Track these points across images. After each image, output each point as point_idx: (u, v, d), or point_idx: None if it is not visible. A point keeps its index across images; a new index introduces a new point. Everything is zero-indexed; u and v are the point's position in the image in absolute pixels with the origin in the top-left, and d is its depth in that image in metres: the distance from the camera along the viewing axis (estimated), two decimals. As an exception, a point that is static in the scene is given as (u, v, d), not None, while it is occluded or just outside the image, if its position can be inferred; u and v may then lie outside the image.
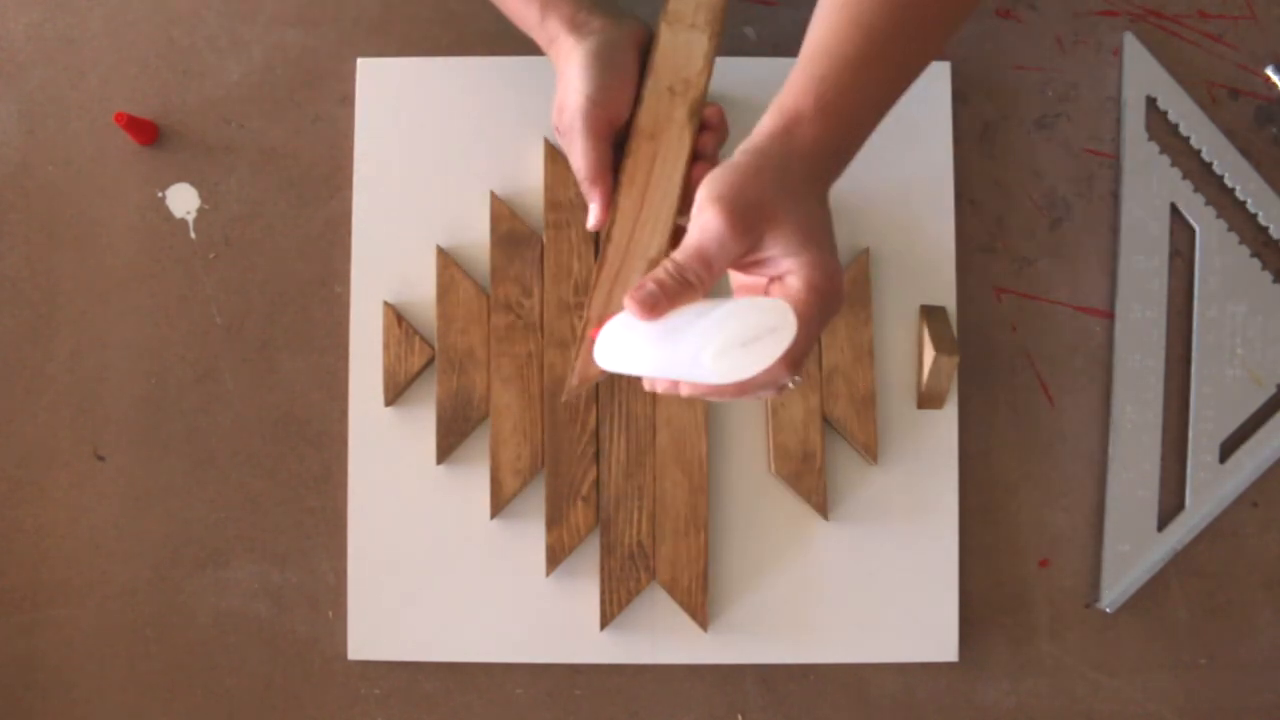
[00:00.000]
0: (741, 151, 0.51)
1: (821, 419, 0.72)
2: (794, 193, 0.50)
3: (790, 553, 0.72)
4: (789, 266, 0.49)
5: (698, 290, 0.49)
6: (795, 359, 0.48)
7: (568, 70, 0.61)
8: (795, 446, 0.72)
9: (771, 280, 0.51)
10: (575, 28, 0.61)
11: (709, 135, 0.63)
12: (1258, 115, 0.77)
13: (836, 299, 0.50)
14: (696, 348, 0.46)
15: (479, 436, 0.72)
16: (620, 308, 0.53)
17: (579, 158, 0.61)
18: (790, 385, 0.51)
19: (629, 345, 0.51)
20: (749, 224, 0.48)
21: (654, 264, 0.51)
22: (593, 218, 0.61)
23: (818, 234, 0.50)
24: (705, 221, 0.49)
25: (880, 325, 0.74)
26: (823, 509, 0.72)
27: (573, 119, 0.60)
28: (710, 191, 0.49)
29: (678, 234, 0.60)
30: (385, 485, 0.73)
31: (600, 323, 0.54)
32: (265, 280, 0.75)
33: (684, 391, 0.51)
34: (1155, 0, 0.77)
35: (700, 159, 0.61)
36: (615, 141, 0.62)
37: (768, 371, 0.47)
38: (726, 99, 0.74)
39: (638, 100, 0.61)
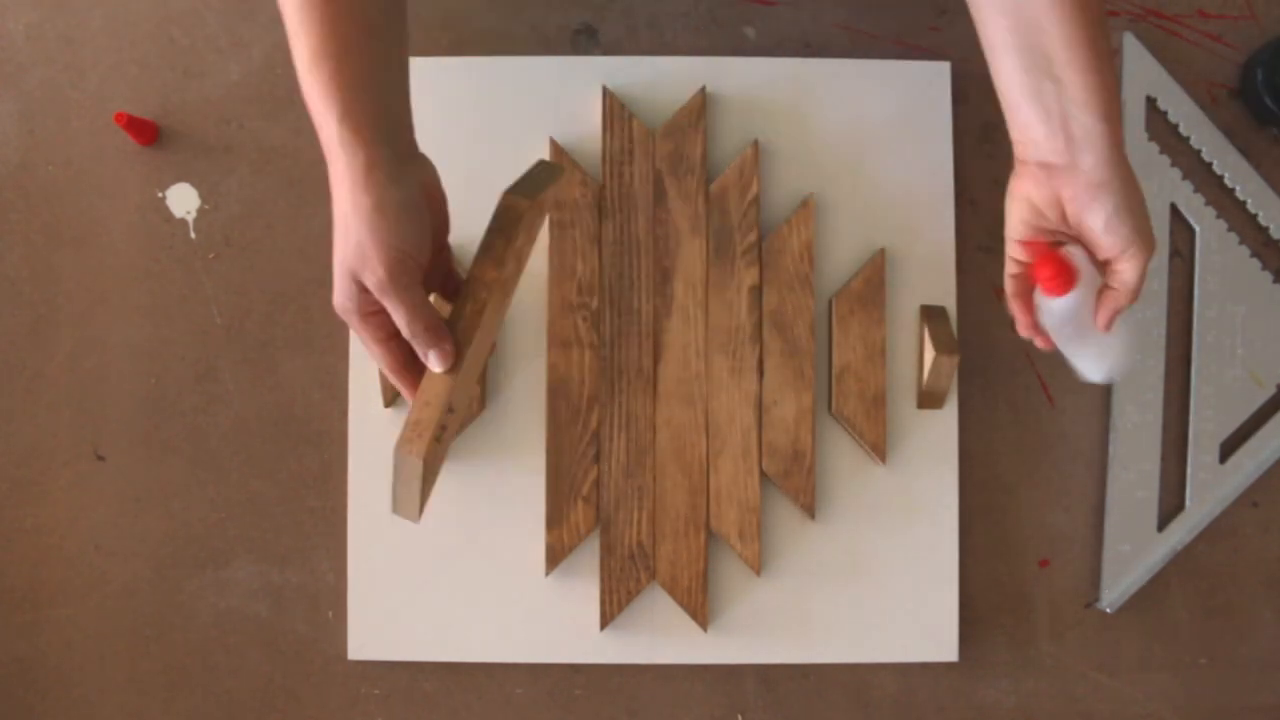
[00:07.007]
0: (1113, 167, 0.56)
1: (813, 418, 0.72)
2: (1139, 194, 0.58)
3: (790, 553, 0.72)
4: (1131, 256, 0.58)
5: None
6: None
7: (374, 218, 0.57)
8: (786, 445, 0.72)
9: (1107, 261, 0.58)
10: (378, 169, 0.57)
11: None
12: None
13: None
14: (1093, 356, 0.62)
15: (477, 436, 0.72)
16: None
17: (412, 309, 0.57)
18: None
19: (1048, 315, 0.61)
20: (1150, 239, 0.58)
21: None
22: (443, 363, 0.58)
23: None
24: (1138, 257, 0.57)
25: (880, 325, 0.74)
26: (810, 509, 0.71)
27: (393, 273, 0.57)
28: (1133, 227, 0.57)
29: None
30: (385, 485, 0.72)
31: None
32: (265, 280, 0.75)
33: (1039, 343, 0.63)
34: (1155, 0, 0.77)
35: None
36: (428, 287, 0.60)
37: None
38: (726, 99, 0.75)
39: (484, 250, 0.60)
